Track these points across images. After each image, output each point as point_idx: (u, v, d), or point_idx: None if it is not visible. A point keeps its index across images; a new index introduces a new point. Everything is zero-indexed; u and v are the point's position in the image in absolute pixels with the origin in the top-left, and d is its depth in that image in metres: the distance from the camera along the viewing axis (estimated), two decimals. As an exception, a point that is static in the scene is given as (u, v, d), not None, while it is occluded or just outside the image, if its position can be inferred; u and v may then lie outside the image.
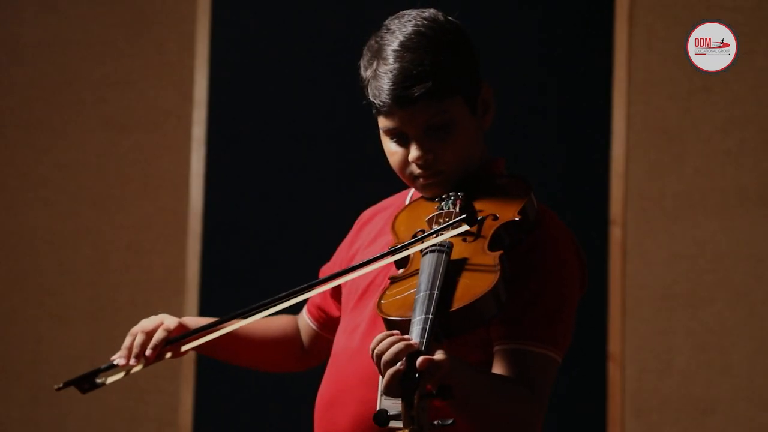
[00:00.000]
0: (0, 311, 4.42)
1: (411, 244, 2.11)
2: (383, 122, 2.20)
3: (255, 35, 4.31)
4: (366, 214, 2.45)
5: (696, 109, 4.06)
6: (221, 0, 4.34)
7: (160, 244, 4.35)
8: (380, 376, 2.11)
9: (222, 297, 4.26)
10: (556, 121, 4.14)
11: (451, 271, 2.01)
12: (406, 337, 1.88)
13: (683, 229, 4.05)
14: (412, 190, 2.34)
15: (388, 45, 2.18)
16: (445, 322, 1.94)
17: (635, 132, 4.08)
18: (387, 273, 2.21)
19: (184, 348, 2.38)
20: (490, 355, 2.11)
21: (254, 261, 4.27)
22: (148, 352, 2.35)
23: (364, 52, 2.24)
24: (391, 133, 2.20)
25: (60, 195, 4.40)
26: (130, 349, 2.37)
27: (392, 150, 2.21)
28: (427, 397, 1.82)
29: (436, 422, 1.83)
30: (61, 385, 2.40)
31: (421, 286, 1.97)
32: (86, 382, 2.42)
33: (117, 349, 4.45)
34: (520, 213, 2.10)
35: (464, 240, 2.09)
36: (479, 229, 2.10)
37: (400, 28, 2.19)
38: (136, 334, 2.37)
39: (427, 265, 2.02)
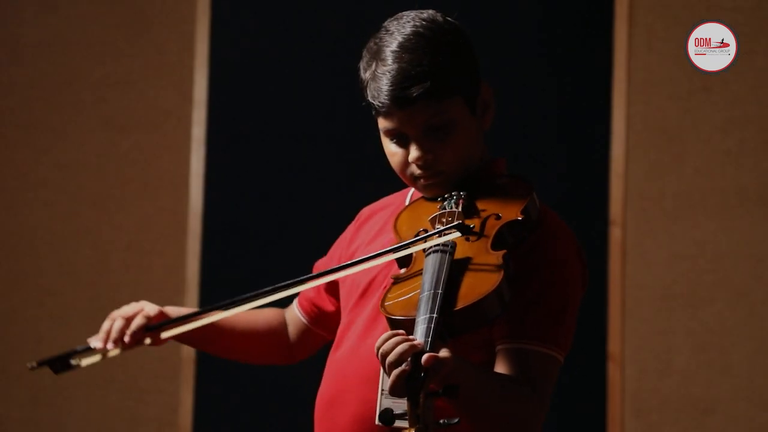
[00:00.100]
0: (0, 311, 4.42)
1: (412, 243, 2.11)
2: (383, 123, 2.20)
3: (255, 35, 4.31)
4: (365, 211, 2.45)
5: (696, 110, 4.06)
6: (221, 0, 4.34)
7: (160, 245, 4.35)
8: (380, 376, 2.12)
9: (222, 297, 4.23)
10: (555, 121, 4.14)
11: (455, 270, 2.02)
12: (411, 337, 1.88)
13: (683, 230, 4.05)
14: (413, 189, 2.34)
15: (387, 46, 2.18)
16: (450, 321, 1.94)
17: (635, 132, 4.08)
18: (388, 272, 2.21)
19: (164, 335, 2.38)
20: (493, 355, 2.11)
21: (254, 261, 4.27)
22: (126, 338, 2.35)
23: (363, 53, 2.25)
24: (391, 134, 2.20)
25: (60, 195, 4.40)
26: (108, 333, 2.36)
27: (392, 151, 2.21)
28: (432, 396, 1.82)
29: (442, 421, 1.83)
30: (34, 364, 2.42)
31: (425, 286, 1.97)
32: (60, 363, 2.43)
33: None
34: (522, 212, 2.11)
35: (467, 239, 2.09)
36: (482, 229, 2.11)
37: (398, 30, 2.20)
38: (115, 318, 2.37)
39: (430, 265, 2.02)
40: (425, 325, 1.89)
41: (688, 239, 4.04)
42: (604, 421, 4.04)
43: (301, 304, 2.53)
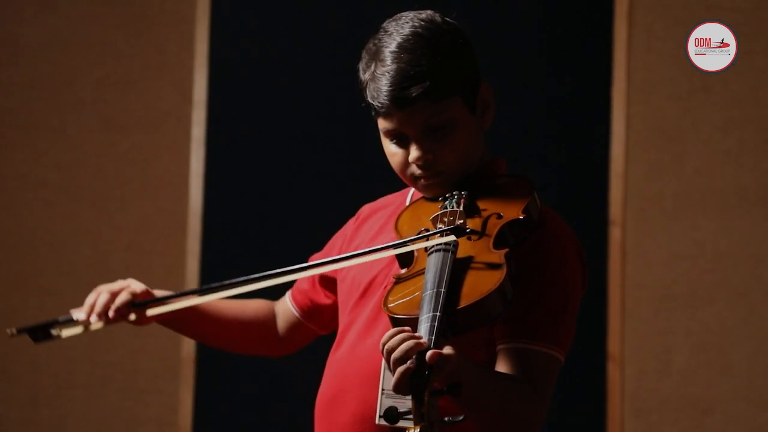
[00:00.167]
0: (0, 311, 4.42)
1: (415, 240, 2.11)
2: (382, 124, 2.20)
3: (254, 36, 4.31)
4: (365, 209, 2.45)
5: (695, 110, 4.06)
6: (220, 1, 4.34)
7: (160, 245, 4.35)
8: (381, 375, 2.12)
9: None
10: (555, 121, 4.14)
11: (457, 269, 2.02)
12: (416, 335, 1.89)
13: (683, 230, 4.05)
14: (413, 189, 2.34)
15: (386, 47, 2.18)
16: (452, 319, 1.94)
17: (635, 132, 4.08)
18: (388, 273, 2.22)
19: (149, 313, 2.36)
20: (493, 354, 2.12)
21: (253, 261, 4.26)
22: (110, 312, 2.34)
23: (363, 54, 2.25)
24: (391, 135, 2.20)
25: (59, 195, 4.40)
26: (92, 306, 2.35)
27: (392, 151, 2.22)
28: (437, 394, 1.82)
29: (447, 419, 1.83)
30: (14, 330, 2.41)
31: (428, 285, 1.97)
32: (41, 332, 2.42)
33: (116, 348, 4.47)
34: (524, 212, 2.11)
35: (469, 238, 2.09)
36: (483, 228, 2.11)
37: (397, 30, 2.20)
38: (101, 292, 2.36)
39: (433, 264, 2.02)
40: (429, 324, 1.90)
41: (687, 239, 4.04)
42: (604, 421, 4.04)
43: (294, 297, 2.52)
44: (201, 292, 2.37)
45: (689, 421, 4.01)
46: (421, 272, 2.05)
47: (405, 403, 1.85)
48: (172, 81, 4.38)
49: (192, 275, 4.28)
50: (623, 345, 4.04)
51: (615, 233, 4.06)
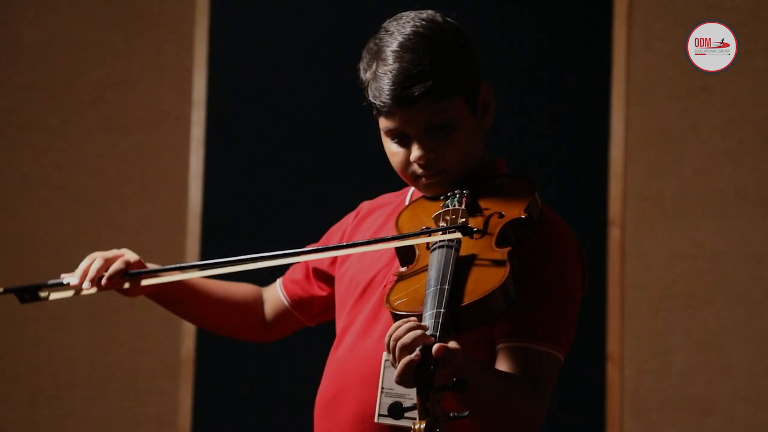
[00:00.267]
0: (-1, 312, 4.43)
1: (418, 235, 2.12)
2: (384, 123, 2.21)
3: (253, 36, 4.31)
4: (365, 206, 2.45)
5: (695, 110, 4.06)
6: (220, 1, 4.34)
7: (159, 245, 4.35)
8: (380, 375, 2.12)
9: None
10: (554, 121, 4.14)
11: (460, 266, 2.02)
12: (423, 324, 1.89)
13: (682, 230, 4.05)
14: (412, 188, 2.35)
15: (387, 46, 2.19)
16: (456, 317, 1.95)
17: (634, 132, 4.09)
18: (388, 272, 2.22)
19: (144, 283, 2.35)
20: (493, 354, 2.12)
21: (253, 261, 4.27)
22: (104, 280, 2.33)
23: (363, 54, 2.25)
24: (392, 134, 2.21)
25: (59, 195, 4.40)
26: (86, 271, 2.34)
27: (393, 150, 2.22)
28: (443, 389, 1.82)
29: (452, 414, 1.84)
30: (1, 289, 2.40)
31: (431, 282, 1.97)
32: (28, 293, 2.41)
33: (116, 348, 4.47)
34: (525, 211, 2.11)
35: (471, 237, 2.09)
36: (486, 226, 2.11)
37: (398, 30, 2.20)
38: (95, 258, 2.35)
39: (436, 261, 2.02)
40: (433, 320, 1.90)
41: (687, 239, 4.04)
42: (603, 421, 4.04)
43: (285, 286, 2.52)
44: (195, 267, 2.37)
45: (689, 421, 4.01)
46: (424, 269, 2.05)
47: (404, 403, 1.86)
48: (171, 81, 4.38)
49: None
50: (623, 345, 4.04)
51: (614, 233, 4.06)
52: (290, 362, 4.18)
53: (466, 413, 1.83)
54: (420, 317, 1.93)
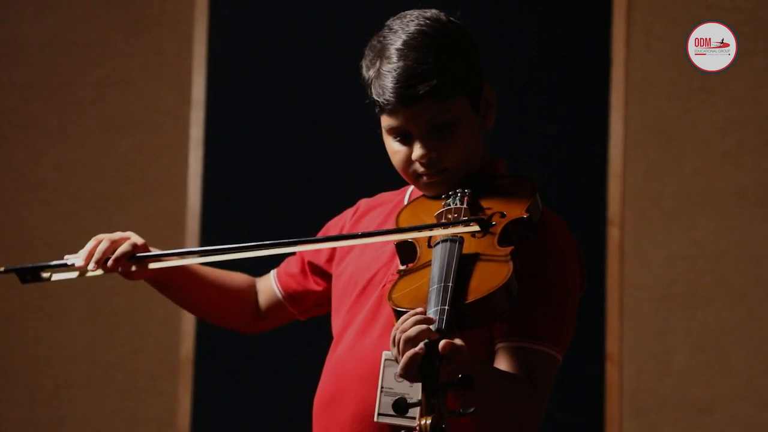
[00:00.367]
0: (0, 312, 4.43)
1: (435, 227, 2.11)
2: (387, 121, 2.20)
3: (253, 36, 4.31)
4: (363, 203, 2.45)
5: (694, 110, 4.06)
6: (219, 1, 4.34)
7: (159, 245, 4.30)
8: (380, 374, 2.12)
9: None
10: (554, 121, 4.15)
11: (463, 264, 2.02)
12: (429, 318, 1.89)
13: (681, 230, 4.05)
14: (411, 188, 2.35)
15: (392, 44, 2.18)
16: (459, 314, 1.94)
17: (633, 132, 4.09)
18: (387, 271, 2.23)
19: (151, 266, 2.33)
20: (492, 353, 2.12)
21: (252, 261, 4.26)
22: (110, 261, 2.29)
23: (366, 52, 2.25)
24: (395, 132, 2.21)
25: (58, 195, 4.40)
26: (92, 252, 2.30)
27: (395, 149, 2.22)
28: (449, 385, 1.82)
29: (459, 410, 1.83)
30: (1, 269, 2.35)
31: (435, 279, 1.98)
32: (30, 273, 2.35)
33: (115, 349, 4.47)
34: (527, 211, 2.11)
35: (473, 236, 2.09)
36: (487, 226, 2.11)
37: (402, 28, 2.20)
38: (101, 240, 2.32)
39: (439, 258, 2.02)
40: (437, 317, 1.90)
41: (686, 239, 4.04)
42: (603, 421, 4.04)
43: (279, 278, 2.52)
44: (199, 253, 2.35)
45: (688, 421, 4.01)
46: (426, 266, 2.05)
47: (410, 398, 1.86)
48: (171, 81, 4.38)
49: (191, 275, 4.28)
50: (622, 345, 4.04)
51: (613, 233, 4.06)
52: (289, 362, 4.18)
53: (472, 409, 1.83)
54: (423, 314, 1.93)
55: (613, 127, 4.08)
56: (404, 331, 1.87)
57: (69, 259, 2.33)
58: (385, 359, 2.13)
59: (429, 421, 1.78)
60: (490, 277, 1.99)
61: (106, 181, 4.39)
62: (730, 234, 4.02)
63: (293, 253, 2.50)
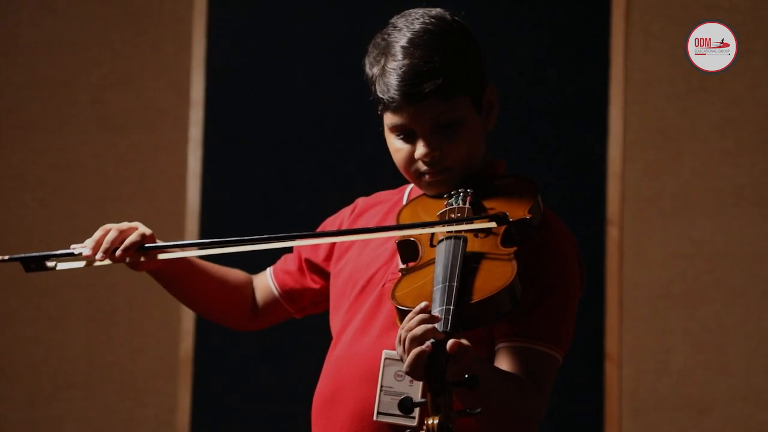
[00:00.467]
0: (-2, 312, 4.43)
1: (450, 223, 2.10)
2: (390, 118, 2.20)
3: (251, 36, 4.31)
4: (361, 202, 2.44)
5: (693, 109, 4.06)
6: (218, 1, 4.34)
7: (158, 244, 4.35)
8: (380, 372, 2.12)
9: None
10: (553, 121, 4.15)
11: (467, 264, 2.02)
12: (435, 316, 1.89)
13: (680, 229, 4.06)
14: (409, 187, 2.35)
15: (397, 42, 2.18)
16: (463, 314, 1.94)
17: (632, 132, 4.09)
18: (387, 270, 2.23)
19: (160, 257, 2.31)
20: (492, 353, 2.12)
21: (251, 260, 4.26)
22: (118, 251, 2.27)
23: (370, 49, 2.24)
24: (398, 130, 2.20)
25: (57, 196, 4.40)
26: (99, 242, 2.28)
27: (398, 147, 2.22)
28: (455, 385, 1.82)
29: (466, 410, 1.83)
30: (6, 257, 2.33)
31: (439, 278, 1.97)
32: (34, 262, 2.32)
33: (114, 349, 4.46)
34: (529, 212, 2.11)
35: (476, 236, 2.09)
36: (490, 226, 2.11)
37: (407, 26, 2.20)
38: (109, 229, 2.30)
39: (443, 257, 2.02)
40: (443, 317, 1.90)
41: (685, 239, 4.04)
42: (602, 420, 4.04)
43: (276, 276, 2.50)
44: (205, 245, 2.34)
45: (687, 421, 4.01)
46: (429, 264, 2.05)
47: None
48: (169, 81, 4.37)
49: (190, 275, 4.28)
50: (621, 344, 4.04)
51: (612, 232, 4.06)
52: (289, 361, 4.18)
53: (479, 410, 1.83)
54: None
55: (612, 127, 4.08)
56: (410, 329, 1.87)
57: (75, 248, 2.30)
58: (385, 358, 2.13)
59: (436, 421, 1.78)
60: (495, 277, 1.99)
61: (105, 181, 4.38)
62: (728, 233, 4.02)
63: (291, 250, 2.50)
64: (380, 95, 2.18)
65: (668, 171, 4.07)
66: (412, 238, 2.13)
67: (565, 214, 2.32)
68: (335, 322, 2.31)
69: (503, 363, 2.09)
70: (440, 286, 1.95)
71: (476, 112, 2.21)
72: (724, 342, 4.00)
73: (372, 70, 2.21)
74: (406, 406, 1.83)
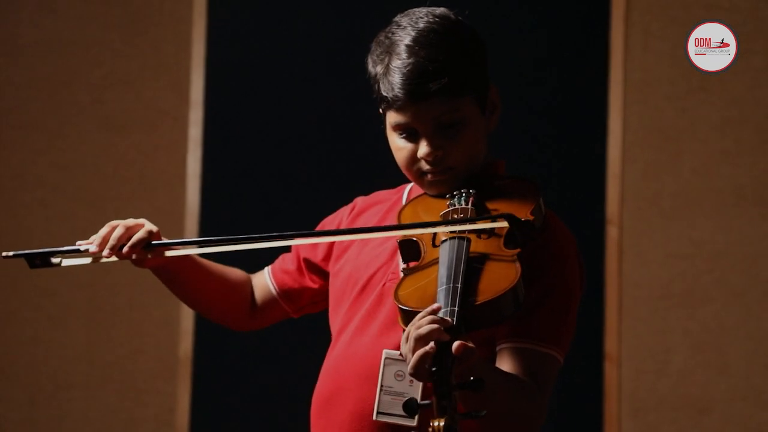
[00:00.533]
0: (-2, 312, 4.43)
1: (462, 222, 2.10)
2: (394, 117, 2.20)
3: (251, 36, 4.31)
4: (360, 201, 2.44)
5: (692, 109, 4.06)
6: (217, 1, 4.34)
7: (157, 245, 4.34)
8: (379, 372, 2.12)
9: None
10: (552, 121, 4.15)
11: (471, 265, 2.02)
12: (446, 319, 1.88)
13: (680, 229, 4.06)
14: (408, 187, 2.35)
15: (401, 40, 2.18)
16: (468, 316, 1.94)
17: (631, 132, 4.09)
18: (388, 269, 2.23)
19: (168, 254, 2.30)
20: (493, 353, 2.12)
21: (250, 261, 4.26)
22: (126, 248, 2.26)
23: (373, 47, 2.24)
24: (401, 128, 2.20)
25: (57, 196, 4.40)
26: (106, 238, 2.26)
27: (400, 146, 2.21)
28: (461, 387, 1.81)
29: (472, 413, 1.82)
30: (10, 253, 2.29)
31: (443, 279, 1.97)
32: (39, 258, 2.29)
33: (114, 348, 4.46)
34: (532, 213, 2.11)
35: (479, 237, 2.09)
36: (493, 227, 2.11)
37: (412, 24, 2.20)
38: (116, 226, 2.28)
39: (447, 258, 2.02)
40: (448, 318, 1.89)
41: (684, 239, 4.04)
42: (601, 420, 4.04)
43: (274, 275, 2.49)
44: (211, 243, 2.33)
45: (686, 421, 4.01)
46: (432, 264, 2.05)
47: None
48: (169, 81, 4.37)
49: (189, 275, 4.28)
50: (620, 344, 4.04)
51: (612, 232, 4.06)
52: (288, 361, 4.18)
53: (484, 412, 1.82)
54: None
55: (612, 127, 4.08)
56: (418, 328, 1.86)
57: (82, 245, 2.28)
58: (386, 357, 2.13)
59: (442, 423, 1.78)
60: (499, 279, 1.99)
61: (105, 181, 4.38)
62: (728, 233, 4.02)
63: (289, 249, 2.49)
64: (384, 93, 2.17)
65: (668, 171, 4.07)
66: (414, 238, 2.13)
67: (564, 214, 2.32)
68: (335, 322, 2.31)
69: (505, 364, 2.09)
70: (444, 287, 1.95)
71: (480, 113, 2.21)
72: (724, 342, 4.00)
73: (375, 68, 2.21)
74: (411, 407, 1.83)
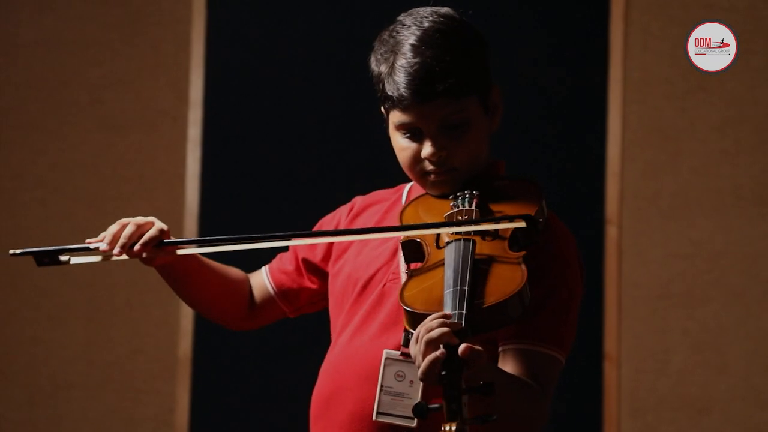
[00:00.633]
0: (-2, 312, 4.42)
1: (480, 222, 2.09)
2: (398, 117, 2.19)
3: (250, 36, 4.31)
4: (359, 201, 2.43)
5: (692, 109, 4.06)
6: (217, 1, 4.34)
7: (157, 244, 4.34)
8: (380, 372, 2.12)
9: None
10: (552, 120, 4.15)
11: (477, 267, 2.01)
12: (456, 322, 1.88)
13: (679, 229, 4.06)
14: (407, 187, 2.34)
15: (406, 39, 2.17)
16: (475, 318, 1.93)
17: (631, 131, 4.09)
18: (388, 270, 2.22)
19: (179, 252, 2.27)
20: (495, 354, 2.12)
21: (250, 261, 4.26)
22: (137, 246, 2.22)
23: (376, 46, 2.23)
24: (405, 128, 2.19)
25: (56, 196, 4.40)
26: (116, 237, 2.23)
27: (403, 146, 2.21)
28: (471, 391, 1.81)
29: (482, 417, 1.82)
30: (17, 251, 2.26)
31: (449, 282, 1.96)
32: (48, 256, 2.26)
33: (114, 348, 4.46)
34: (536, 214, 2.10)
35: (483, 239, 2.08)
36: (497, 229, 2.10)
37: (416, 24, 2.19)
38: (126, 224, 2.24)
39: (453, 260, 2.01)
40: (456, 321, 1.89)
41: (684, 238, 4.04)
42: (601, 420, 4.04)
43: (272, 275, 2.48)
44: (221, 241, 2.32)
45: (686, 421, 4.01)
46: (437, 266, 2.05)
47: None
48: (168, 81, 4.37)
49: (189, 275, 4.28)
50: (620, 344, 4.04)
51: (611, 232, 4.06)
52: (288, 361, 4.18)
53: (495, 417, 1.82)
54: None
55: (611, 127, 4.08)
56: (429, 330, 1.86)
57: (91, 242, 2.25)
58: (386, 358, 2.13)
59: (453, 428, 1.77)
60: (506, 281, 1.99)
61: (104, 181, 4.38)
62: (727, 233, 4.02)
63: (287, 249, 2.49)
64: (389, 93, 2.16)
65: (667, 171, 4.07)
66: (417, 239, 2.12)
67: (564, 214, 2.32)
68: (335, 322, 2.31)
69: (507, 365, 2.09)
70: (452, 289, 1.94)
71: (483, 113, 2.20)
72: (723, 342, 4.00)
73: (379, 67, 2.20)
74: (420, 410, 1.82)
